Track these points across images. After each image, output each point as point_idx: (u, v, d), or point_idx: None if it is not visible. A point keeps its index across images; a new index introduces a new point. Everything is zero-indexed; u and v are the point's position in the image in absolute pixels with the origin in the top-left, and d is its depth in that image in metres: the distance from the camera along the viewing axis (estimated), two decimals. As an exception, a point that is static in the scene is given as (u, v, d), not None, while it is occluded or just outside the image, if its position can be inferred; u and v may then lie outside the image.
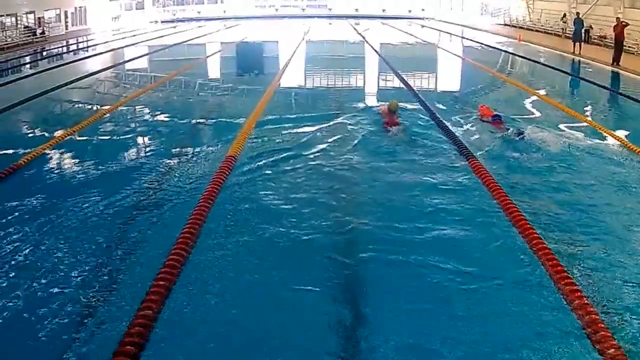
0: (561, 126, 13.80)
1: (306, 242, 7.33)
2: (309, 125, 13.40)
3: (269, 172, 10.05)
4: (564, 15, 31.76)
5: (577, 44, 29.90)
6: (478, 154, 10.91)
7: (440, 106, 15.96)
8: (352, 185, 9.52)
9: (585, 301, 5.79)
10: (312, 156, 11.03)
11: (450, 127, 13.00)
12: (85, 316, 5.68)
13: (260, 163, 10.44)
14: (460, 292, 6.20)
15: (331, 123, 13.60)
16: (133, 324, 5.31)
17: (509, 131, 12.60)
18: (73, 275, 6.46)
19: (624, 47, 26.44)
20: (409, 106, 15.56)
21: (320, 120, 13.94)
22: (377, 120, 13.59)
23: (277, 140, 12.12)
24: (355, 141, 12.05)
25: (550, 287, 6.20)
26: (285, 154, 11.02)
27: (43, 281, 6.29)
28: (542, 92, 19.08)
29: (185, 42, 38.95)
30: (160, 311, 5.63)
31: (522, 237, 7.39)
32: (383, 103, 14.93)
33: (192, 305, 5.87)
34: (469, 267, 6.65)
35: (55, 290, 6.11)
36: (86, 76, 22.97)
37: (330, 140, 12.10)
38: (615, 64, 25.18)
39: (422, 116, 14.49)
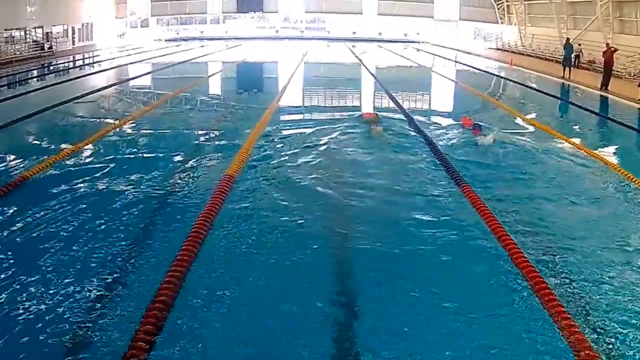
0: (539, 141, 15.05)
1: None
2: (307, 142, 14.37)
3: (272, 180, 10.97)
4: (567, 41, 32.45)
5: (567, 68, 30.81)
6: (455, 153, 13.10)
7: (427, 121, 17.65)
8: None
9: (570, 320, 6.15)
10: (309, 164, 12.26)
11: (430, 135, 14.97)
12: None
13: (260, 176, 11.15)
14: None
15: (326, 143, 14.19)
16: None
17: (487, 137, 14.39)
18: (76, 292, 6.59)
19: (613, 72, 27.14)
20: (396, 117, 17.84)
21: (317, 137, 14.89)
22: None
23: (279, 152, 13.10)
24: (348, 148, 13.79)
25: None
26: (286, 167, 11.98)
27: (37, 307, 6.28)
28: (530, 115, 19.81)
29: (188, 60, 39.95)
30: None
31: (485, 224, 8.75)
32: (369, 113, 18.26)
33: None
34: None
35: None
36: (92, 92, 23.25)
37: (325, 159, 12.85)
38: (603, 88, 25.78)
39: (409, 130, 16.02)
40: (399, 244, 8.17)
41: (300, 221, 8.95)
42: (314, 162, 12.38)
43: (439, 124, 17.33)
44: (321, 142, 14.19)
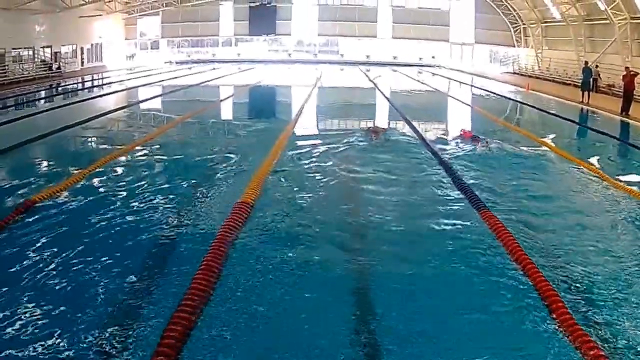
0: (559, 164, 14.68)
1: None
2: (322, 165, 14.23)
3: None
4: (586, 64, 31.53)
5: (586, 92, 29.81)
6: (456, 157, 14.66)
7: (445, 147, 16.99)
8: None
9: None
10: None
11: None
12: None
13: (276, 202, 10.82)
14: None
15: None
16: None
17: (484, 143, 16.49)
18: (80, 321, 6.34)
19: (634, 97, 26.19)
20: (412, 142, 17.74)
21: (332, 160, 14.79)
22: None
23: (295, 178, 12.75)
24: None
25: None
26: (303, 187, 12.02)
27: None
28: (548, 140, 18.81)
29: (200, 84, 39.20)
30: None
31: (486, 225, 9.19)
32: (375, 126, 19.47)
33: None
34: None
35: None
36: (101, 115, 22.60)
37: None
38: (624, 113, 24.89)
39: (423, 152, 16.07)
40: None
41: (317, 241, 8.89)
42: (330, 184, 12.44)
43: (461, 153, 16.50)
44: (336, 165, 14.13)
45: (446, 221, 9.86)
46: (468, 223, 9.69)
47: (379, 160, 14.64)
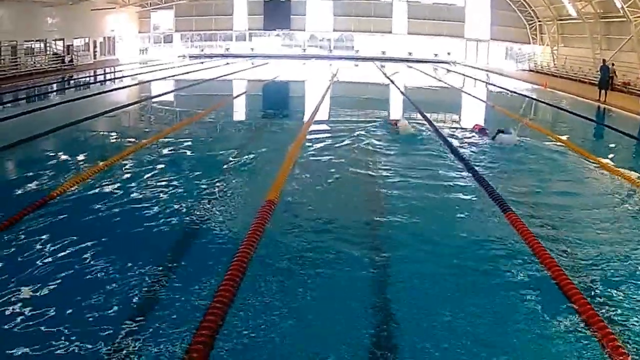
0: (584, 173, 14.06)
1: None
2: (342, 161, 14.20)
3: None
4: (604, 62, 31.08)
5: (603, 91, 29.33)
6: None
7: (457, 138, 17.67)
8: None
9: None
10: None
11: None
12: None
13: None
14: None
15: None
16: None
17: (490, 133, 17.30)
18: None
19: None
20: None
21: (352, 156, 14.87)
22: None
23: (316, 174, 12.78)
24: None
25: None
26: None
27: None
28: (565, 137, 18.35)
29: (213, 79, 38.73)
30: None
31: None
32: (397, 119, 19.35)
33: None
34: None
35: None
36: (113, 109, 22.38)
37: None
38: None
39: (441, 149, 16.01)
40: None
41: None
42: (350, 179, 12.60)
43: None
44: (357, 160, 14.30)
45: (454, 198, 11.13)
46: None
47: (397, 150, 15.51)
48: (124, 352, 5.54)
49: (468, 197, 11.16)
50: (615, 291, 7.02)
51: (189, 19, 62.29)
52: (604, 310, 6.48)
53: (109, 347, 5.60)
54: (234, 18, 62.94)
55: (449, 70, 51.34)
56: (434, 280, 7.34)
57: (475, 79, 44.32)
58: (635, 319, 6.37)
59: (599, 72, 30.64)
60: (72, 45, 44.94)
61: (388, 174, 12.90)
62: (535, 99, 31.91)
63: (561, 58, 48.56)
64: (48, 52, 41.48)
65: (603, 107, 28.12)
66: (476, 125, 19.29)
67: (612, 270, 7.73)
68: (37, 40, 40.33)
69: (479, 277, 7.49)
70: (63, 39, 43.45)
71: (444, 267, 7.74)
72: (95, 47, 49.86)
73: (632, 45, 36.17)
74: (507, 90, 36.27)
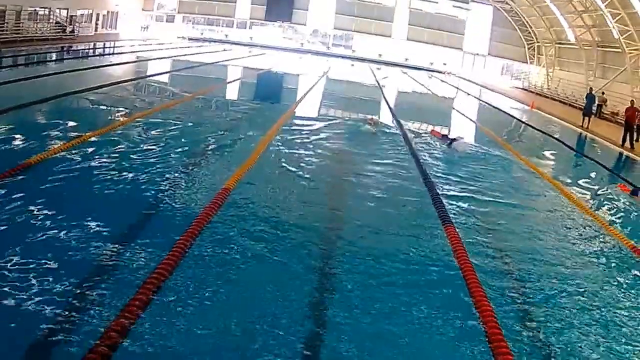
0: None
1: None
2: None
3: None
4: (590, 91, 31.73)
5: (587, 118, 29.88)
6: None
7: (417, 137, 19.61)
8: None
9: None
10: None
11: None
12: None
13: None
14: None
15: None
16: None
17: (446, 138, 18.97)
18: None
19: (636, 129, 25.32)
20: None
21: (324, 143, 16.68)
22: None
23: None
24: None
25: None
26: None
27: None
28: (533, 160, 18.64)
29: (208, 64, 39.50)
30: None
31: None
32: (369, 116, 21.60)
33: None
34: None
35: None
36: (108, 84, 22.63)
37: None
38: (624, 145, 24.37)
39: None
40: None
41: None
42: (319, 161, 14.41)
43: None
44: (327, 147, 16.17)
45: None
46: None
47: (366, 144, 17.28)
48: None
49: (409, 184, 13.02)
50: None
51: (192, 1, 62.67)
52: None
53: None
54: (236, 5, 63.29)
55: (442, 81, 51.80)
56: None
57: (463, 91, 44.96)
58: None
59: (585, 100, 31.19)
60: (75, 15, 45.02)
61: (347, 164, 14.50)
62: (515, 117, 32.28)
63: (555, 80, 49.27)
64: (51, 21, 41.51)
65: (582, 132, 28.70)
66: (434, 131, 21.01)
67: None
68: (41, 7, 40.34)
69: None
70: (67, 9, 43.51)
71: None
72: (97, 19, 49.92)
73: (626, 76, 36.89)
74: (491, 105, 36.99)
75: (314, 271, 7.77)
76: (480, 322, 6.69)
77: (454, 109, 33.48)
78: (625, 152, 23.63)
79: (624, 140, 24.82)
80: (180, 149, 13.42)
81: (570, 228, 11.48)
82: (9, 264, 6.76)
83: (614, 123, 32.52)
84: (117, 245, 7.57)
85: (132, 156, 12.24)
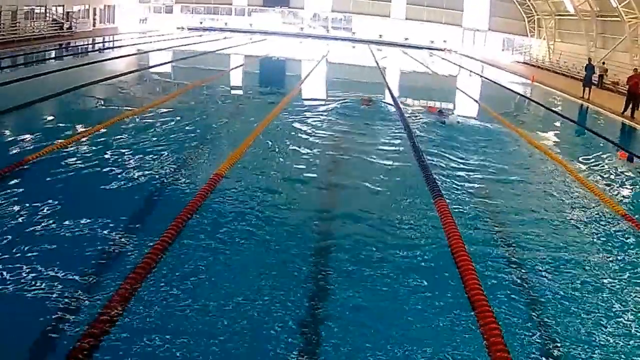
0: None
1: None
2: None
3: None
4: (589, 61, 31.48)
5: (587, 89, 29.57)
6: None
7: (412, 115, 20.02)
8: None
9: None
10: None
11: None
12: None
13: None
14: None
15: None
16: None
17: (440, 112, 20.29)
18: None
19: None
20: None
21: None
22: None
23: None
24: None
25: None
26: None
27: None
28: (531, 133, 18.57)
29: (210, 52, 39.55)
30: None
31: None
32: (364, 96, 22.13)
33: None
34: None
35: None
36: (109, 78, 23.16)
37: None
38: (624, 113, 24.17)
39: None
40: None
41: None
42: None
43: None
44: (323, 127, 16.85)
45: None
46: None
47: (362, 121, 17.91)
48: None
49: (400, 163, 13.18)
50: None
51: (190, -9, 62.49)
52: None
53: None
54: (234, -7, 63.12)
55: (443, 59, 51.59)
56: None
57: (464, 68, 44.95)
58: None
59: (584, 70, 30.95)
60: (71, 11, 45.00)
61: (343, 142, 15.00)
62: (515, 92, 32.13)
63: (557, 53, 48.94)
64: (47, 18, 41.51)
65: (582, 104, 28.49)
66: (430, 107, 21.80)
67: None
68: (37, 6, 40.35)
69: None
70: (63, 5, 43.49)
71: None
72: (94, 14, 49.89)
73: (626, 45, 36.61)
74: (491, 80, 37.02)
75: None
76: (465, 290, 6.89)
77: (452, 85, 33.61)
78: (627, 122, 23.39)
79: (625, 108, 24.52)
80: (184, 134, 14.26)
81: (562, 196, 11.69)
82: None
83: (615, 92, 32.27)
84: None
85: (126, 152, 12.36)
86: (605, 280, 7.74)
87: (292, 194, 10.33)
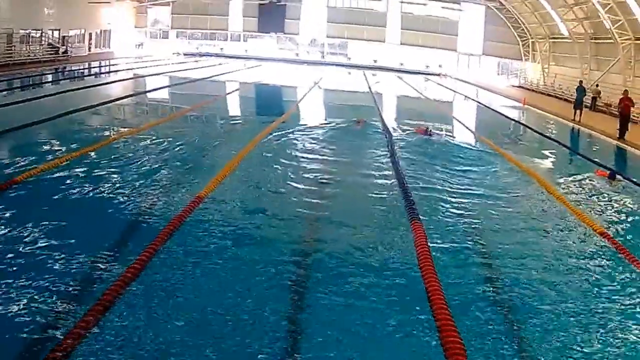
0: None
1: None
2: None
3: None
4: (580, 83, 31.49)
5: (578, 111, 29.29)
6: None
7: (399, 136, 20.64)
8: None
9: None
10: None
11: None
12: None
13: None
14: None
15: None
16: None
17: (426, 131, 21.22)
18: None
19: (631, 119, 25.05)
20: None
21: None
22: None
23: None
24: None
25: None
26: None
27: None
28: (518, 157, 18.31)
29: (202, 79, 39.44)
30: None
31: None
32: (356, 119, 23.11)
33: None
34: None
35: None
36: (103, 103, 23.31)
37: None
38: (618, 137, 23.62)
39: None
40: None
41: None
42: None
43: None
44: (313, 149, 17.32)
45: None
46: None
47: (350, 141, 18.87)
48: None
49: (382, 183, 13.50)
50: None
51: (185, 16, 63.00)
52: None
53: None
54: (229, 19, 63.57)
55: (438, 84, 51.57)
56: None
57: (457, 92, 45.02)
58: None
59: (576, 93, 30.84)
60: (67, 36, 45.21)
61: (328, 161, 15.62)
62: (503, 115, 31.81)
63: (551, 76, 49.14)
64: (43, 43, 41.66)
65: (573, 126, 28.43)
66: (418, 128, 22.16)
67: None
68: (33, 30, 40.52)
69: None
70: (59, 30, 43.70)
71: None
72: (90, 39, 50.14)
73: (620, 67, 36.75)
74: (482, 104, 37.31)
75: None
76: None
77: (443, 109, 33.48)
78: (615, 142, 23.43)
79: (621, 134, 23.85)
80: (163, 165, 13.98)
81: (543, 215, 11.90)
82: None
83: (607, 114, 32.28)
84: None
85: (111, 175, 12.50)
86: (590, 305, 7.78)
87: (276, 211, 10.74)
